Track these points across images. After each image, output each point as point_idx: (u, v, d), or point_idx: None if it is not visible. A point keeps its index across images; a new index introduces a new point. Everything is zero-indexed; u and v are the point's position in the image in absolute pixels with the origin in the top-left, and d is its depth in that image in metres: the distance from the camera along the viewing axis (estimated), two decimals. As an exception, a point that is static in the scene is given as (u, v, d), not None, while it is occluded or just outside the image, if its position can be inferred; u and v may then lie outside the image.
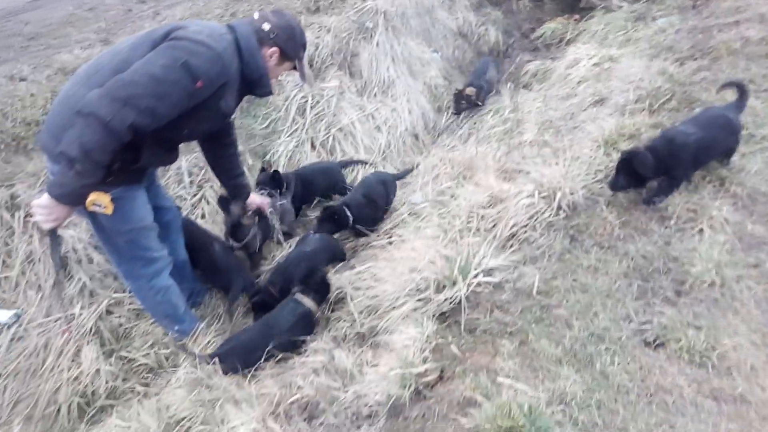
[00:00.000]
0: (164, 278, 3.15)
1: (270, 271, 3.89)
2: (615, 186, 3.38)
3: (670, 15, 5.94)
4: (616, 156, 3.62)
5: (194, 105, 2.57)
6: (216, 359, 3.13)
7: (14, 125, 3.90)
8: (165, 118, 2.49)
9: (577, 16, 7.20)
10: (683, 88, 4.27)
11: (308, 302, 3.33)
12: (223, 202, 3.77)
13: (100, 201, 2.59)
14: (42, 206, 2.50)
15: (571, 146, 3.95)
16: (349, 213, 3.92)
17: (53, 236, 2.70)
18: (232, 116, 3.08)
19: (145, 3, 5.31)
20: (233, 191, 3.58)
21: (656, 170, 3.28)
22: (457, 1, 6.74)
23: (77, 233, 3.65)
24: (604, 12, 6.85)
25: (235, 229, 3.73)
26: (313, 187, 4.35)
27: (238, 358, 3.14)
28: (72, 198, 2.48)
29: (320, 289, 3.43)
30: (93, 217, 2.77)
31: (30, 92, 4.14)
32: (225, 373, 3.10)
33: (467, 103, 5.37)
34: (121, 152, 2.52)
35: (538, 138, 4.43)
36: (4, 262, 3.49)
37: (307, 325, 3.32)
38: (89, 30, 4.78)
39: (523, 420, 2.24)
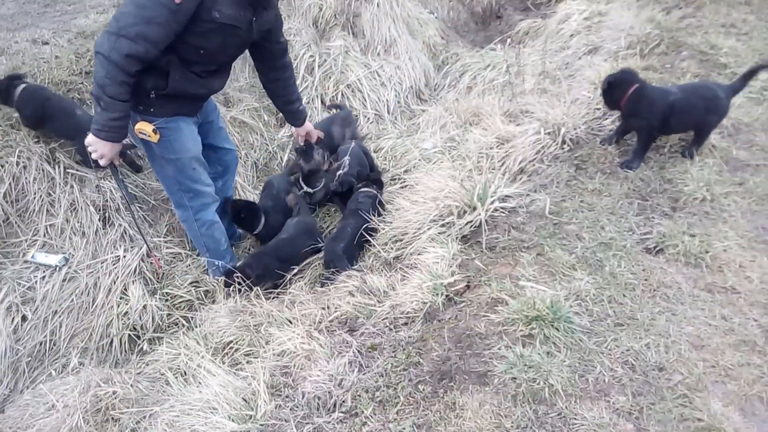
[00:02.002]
0: (210, 213, 3.42)
1: (250, 255, 3.96)
2: (605, 98, 3.61)
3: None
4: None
5: (188, 21, 2.69)
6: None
7: (44, 85, 4.09)
8: (161, 41, 2.67)
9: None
10: (670, 33, 4.59)
11: (374, 190, 3.93)
12: (308, 149, 3.97)
13: (144, 129, 2.88)
14: (89, 143, 2.81)
15: (569, 90, 4.26)
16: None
17: (112, 169, 2.97)
18: (264, 34, 3.09)
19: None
20: (289, 117, 3.71)
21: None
22: (450, -37, 6.99)
23: (113, 183, 3.89)
24: (591, -30, 7.11)
25: (310, 176, 3.99)
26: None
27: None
28: (106, 132, 2.77)
29: (378, 184, 4.05)
30: (147, 145, 3.04)
31: (54, 55, 4.32)
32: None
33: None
34: (152, 80, 2.79)
35: (537, 87, 4.72)
36: (48, 210, 3.72)
37: (380, 204, 3.92)
38: (103, -4, 4.99)
39: (546, 311, 2.58)
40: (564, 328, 2.55)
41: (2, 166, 3.60)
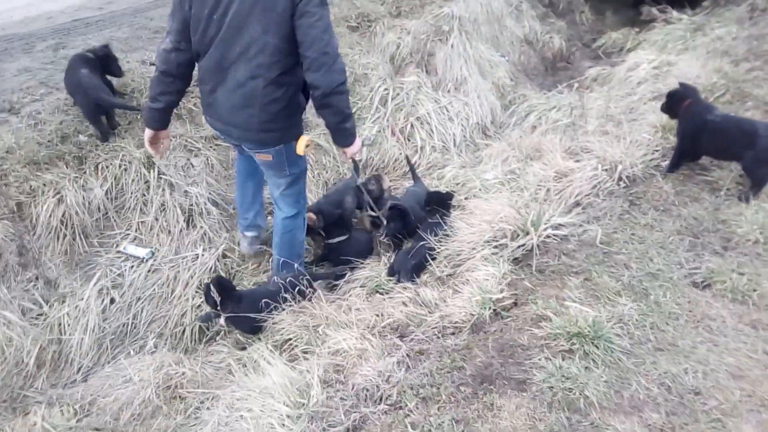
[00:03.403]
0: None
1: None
2: (663, 109, 4.03)
3: (728, 26, 6.30)
4: (673, 140, 4.07)
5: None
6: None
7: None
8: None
9: (637, 29, 7.61)
10: (737, 84, 4.67)
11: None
12: (355, 168, 4.23)
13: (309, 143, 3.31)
14: (354, 152, 3.35)
15: (630, 132, 4.40)
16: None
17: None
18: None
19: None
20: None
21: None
22: (524, 10, 7.28)
23: (199, 190, 4.32)
24: (663, 24, 7.24)
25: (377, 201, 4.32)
26: None
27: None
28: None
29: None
30: (288, 158, 3.39)
31: (159, 74, 4.87)
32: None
33: None
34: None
35: (599, 128, 4.88)
36: (141, 209, 4.17)
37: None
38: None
39: (587, 329, 2.72)
40: (604, 347, 2.67)
41: (107, 168, 4.08)
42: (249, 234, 4.13)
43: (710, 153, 3.87)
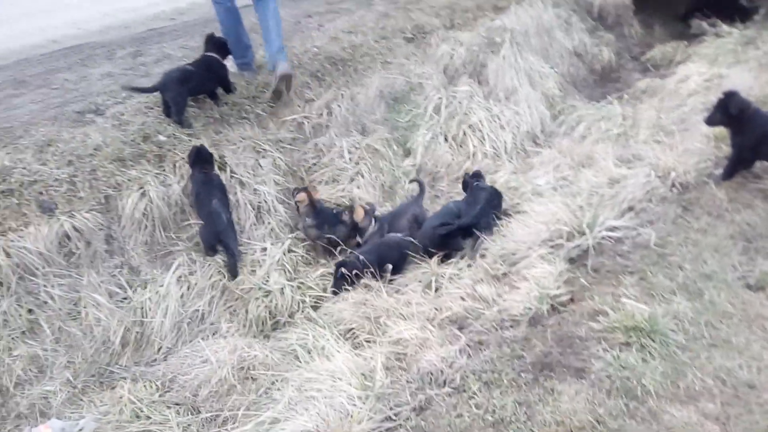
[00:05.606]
0: None
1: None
2: (710, 120, 4.04)
3: (781, 40, 6.34)
4: (726, 149, 4.17)
5: None
6: None
7: (221, 104, 4.93)
8: None
9: (686, 42, 7.66)
10: (791, 96, 4.74)
11: None
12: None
13: None
14: None
15: (682, 141, 4.51)
16: None
17: None
18: None
19: (311, 17, 6.40)
20: None
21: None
22: (573, 23, 7.43)
23: (267, 188, 4.60)
24: (714, 37, 7.28)
25: None
26: None
27: None
28: None
29: None
30: None
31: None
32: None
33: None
34: None
35: (651, 138, 5.00)
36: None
37: None
38: (270, 37, 5.92)
39: (644, 323, 2.87)
40: (660, 341, 2.82)
41: (184, 165, 4.40)
42: None
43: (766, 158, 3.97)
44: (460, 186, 4.83)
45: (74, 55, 5.64)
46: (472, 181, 4.64)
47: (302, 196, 4.47)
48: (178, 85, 4.53)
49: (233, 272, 4.16)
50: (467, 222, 4.16)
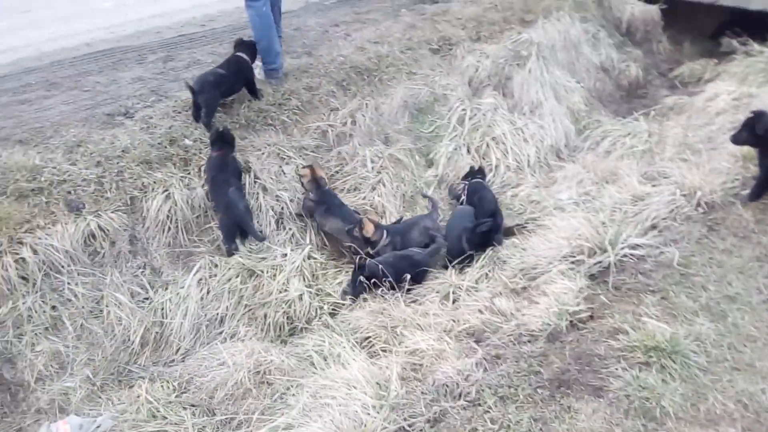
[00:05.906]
0: None
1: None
2: (736, 139, 4.00)
3: (814, 60, 6.22)
4: (753, 169, 4.10)
5: None
6: None
7: (247, 110, 5.00)
8: None
9: (715, 60, 7.56)
10: (823, 118, 4.63)
11: None
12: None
13: None
14: None
15: (709, 160, 4.45)
16: None
17: None
18: None
19: (338, 26, 6.45)
20: None
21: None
22: (601, 39, 7.37)
23: (289, 195, 4.64)
24: (744, 56, 7.17)
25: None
26: None
27: None
28: None
29: None
30: None
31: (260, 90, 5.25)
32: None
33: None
34: None
35: (677, 156, 4.93)
36: (236, 209, 4.51)
37: None
38: (297, 45, 5.96)
39: (665, 343, 2.83)
40: (681, 362, 2.78)
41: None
42: None
43: None
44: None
45: (106, 59, 5.76)
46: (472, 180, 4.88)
47: (305, 171, 4.57)
48: (213, 88, 4.62)
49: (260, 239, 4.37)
50: (501, 217, 4.46)
